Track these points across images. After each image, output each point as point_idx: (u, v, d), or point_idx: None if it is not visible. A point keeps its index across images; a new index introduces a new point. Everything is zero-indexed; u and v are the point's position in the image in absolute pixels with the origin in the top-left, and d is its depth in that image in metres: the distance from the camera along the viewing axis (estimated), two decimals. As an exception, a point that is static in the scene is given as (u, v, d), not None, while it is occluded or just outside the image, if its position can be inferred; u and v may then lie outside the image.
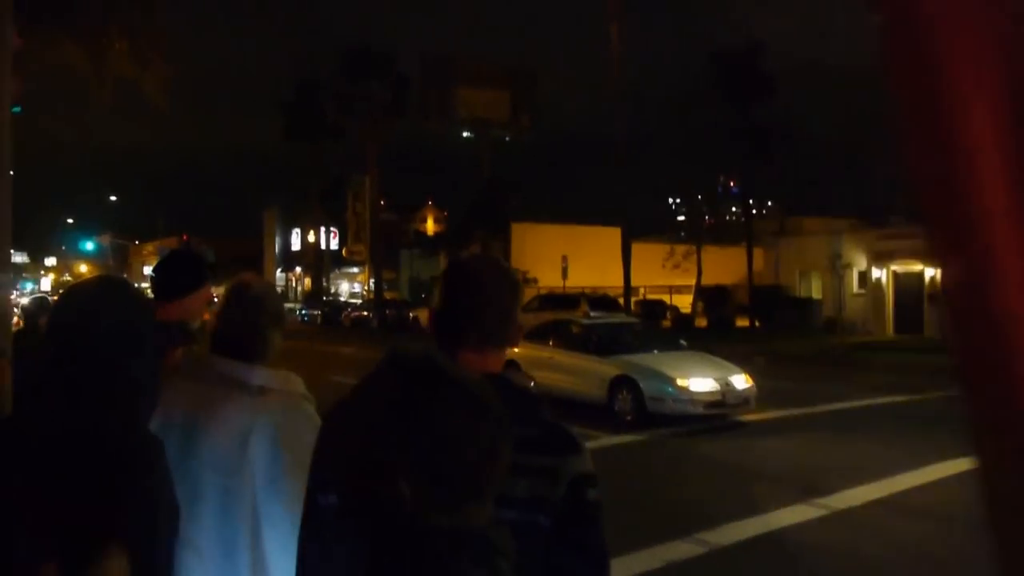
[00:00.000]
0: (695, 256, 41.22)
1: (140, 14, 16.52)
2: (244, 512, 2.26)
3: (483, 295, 1.83)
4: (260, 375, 2.40)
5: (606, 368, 14.21)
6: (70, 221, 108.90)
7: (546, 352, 15.48)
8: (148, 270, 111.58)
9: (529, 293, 40.05)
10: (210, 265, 3.07)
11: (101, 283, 2.07)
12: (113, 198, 79.02)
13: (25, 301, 7.67)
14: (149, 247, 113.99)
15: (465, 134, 50.67)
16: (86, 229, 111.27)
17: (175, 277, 2.83)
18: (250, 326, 2.47)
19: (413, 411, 1.36)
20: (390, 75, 50.01)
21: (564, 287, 36.32)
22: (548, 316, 22.73)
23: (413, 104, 50.43)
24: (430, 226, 62.38)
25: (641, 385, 13.53)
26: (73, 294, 2.00)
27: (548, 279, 40.27)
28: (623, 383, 13.78)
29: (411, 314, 43.60)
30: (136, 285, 2.20)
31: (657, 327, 32.31)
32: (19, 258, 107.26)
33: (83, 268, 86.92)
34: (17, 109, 6.48)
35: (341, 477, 1.49)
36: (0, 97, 5.67)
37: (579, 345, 15.36)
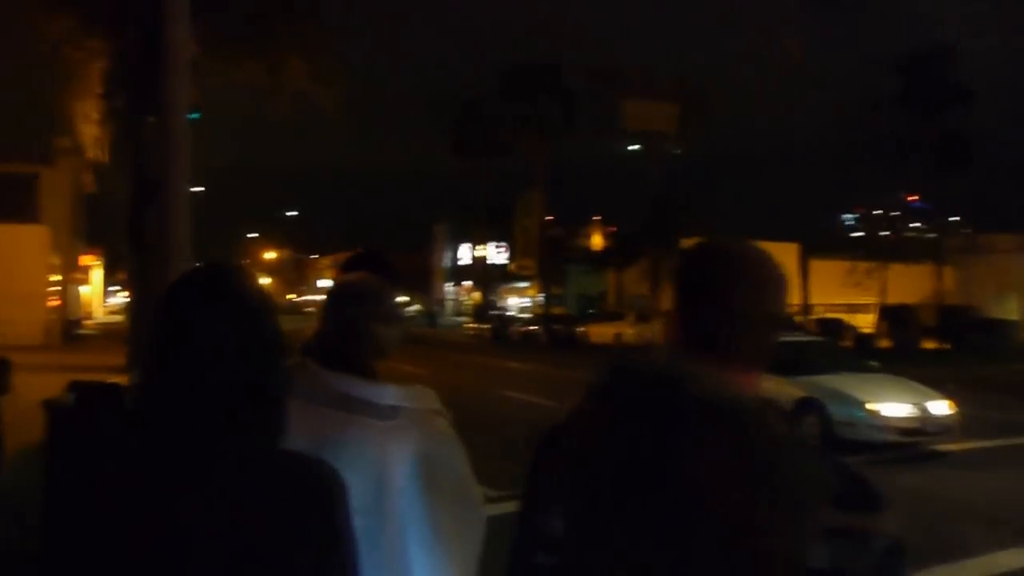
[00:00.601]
0: (877, 273, 39.27)
1: (315, 31, 17.10)
2: (388, 556, 1.96)
3: (751, 292, 1.44)
4: (389, 393, 2.06)
5: (789, 389, 13.41)
6: (253, 235, 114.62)
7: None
8: (323, 283, 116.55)
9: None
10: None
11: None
12: (292, 213, 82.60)
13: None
14: (325, 261, 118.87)
15: (633, 147, 50.18)
16: (266, 243, 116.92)
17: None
18: (352, 326, 2.14)
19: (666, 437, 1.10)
20: (557, 90, 50.11)
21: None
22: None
23: (580, 118, 50.36)
24: (596, 241, 62.06)
25: (828, 408, 12.73)
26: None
27: (720, 296, 39.22)
28: (808, 406, 12.97)
29: (579, 329, 43.43)
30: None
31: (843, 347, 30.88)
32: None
33: (263, 281, 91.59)
34: (196, 115, 6.70)
35: (577, 501, 1.25)
36: (178, 104, 5.80)
37: (759, 364, 14.63)
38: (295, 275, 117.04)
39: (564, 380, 23.09)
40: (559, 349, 39.15)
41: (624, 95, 46.32)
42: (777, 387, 13.68)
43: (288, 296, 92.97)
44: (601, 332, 40.61)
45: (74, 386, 6.70)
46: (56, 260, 36.01)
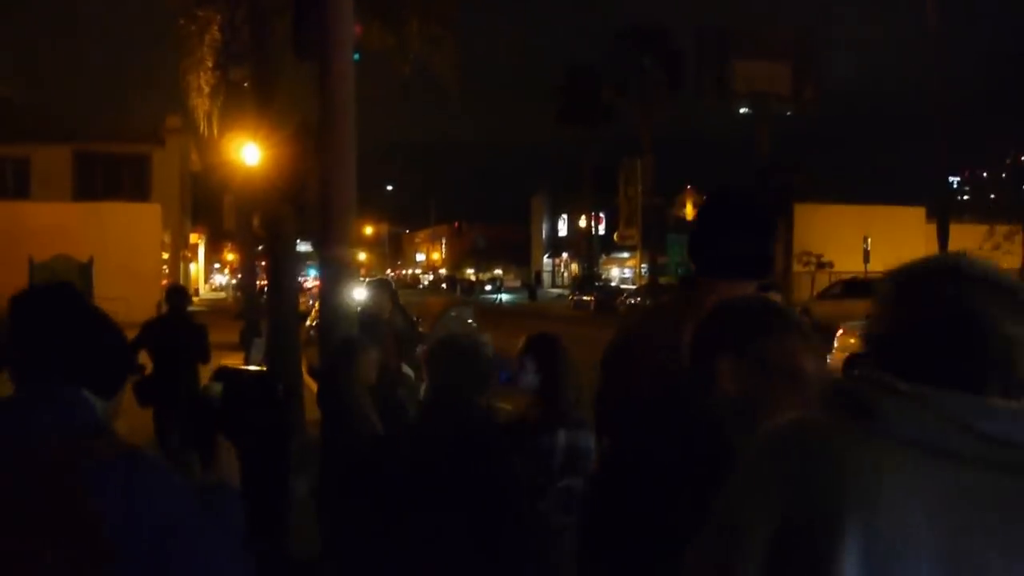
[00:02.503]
0: (1020, 236, 36.90)
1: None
2: None
3: None
4: None
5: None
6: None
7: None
8: (421, 257, 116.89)
9: (821, 279, 37.52)
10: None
11: None
12: (389, 188, 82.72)
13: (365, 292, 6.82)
14: (421, 234, 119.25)
15: (743, 110, 48.30)
16: (363, 218, 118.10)
17: None
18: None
19: None
20: (663, 52, 48.58)
21: (866, 272, 33.38)
22: (851, 305, 20.73)
23: (687, 82, 48.77)
24: (688, 211, 60.78)
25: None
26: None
27: (842, 263, 37.46)
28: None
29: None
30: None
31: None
32: (304, 247, 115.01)
33: (361, 256, 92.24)
34: (356, 56, 6.03)
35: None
36: (344, 42, 5.02)
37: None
38: (393, 249, 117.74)
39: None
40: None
41: (734, 56, 44.54)
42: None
43: (388, 271, 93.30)
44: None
45: (221, 374, 5.92)
46: (167, 238, 36.37)
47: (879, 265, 34.81)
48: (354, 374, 4.24)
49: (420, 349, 6.23)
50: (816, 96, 47.34)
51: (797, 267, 40.27)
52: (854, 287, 29.19)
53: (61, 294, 1.82)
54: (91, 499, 1.47)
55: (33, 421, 1.59)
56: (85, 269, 22.80)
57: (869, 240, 35.29)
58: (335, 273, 5.37)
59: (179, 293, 9.73)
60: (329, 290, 5.47)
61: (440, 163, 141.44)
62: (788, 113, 47.76)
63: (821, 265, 39.31)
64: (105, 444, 1.58)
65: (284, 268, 9.74)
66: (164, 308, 10.18)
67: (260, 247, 19.35)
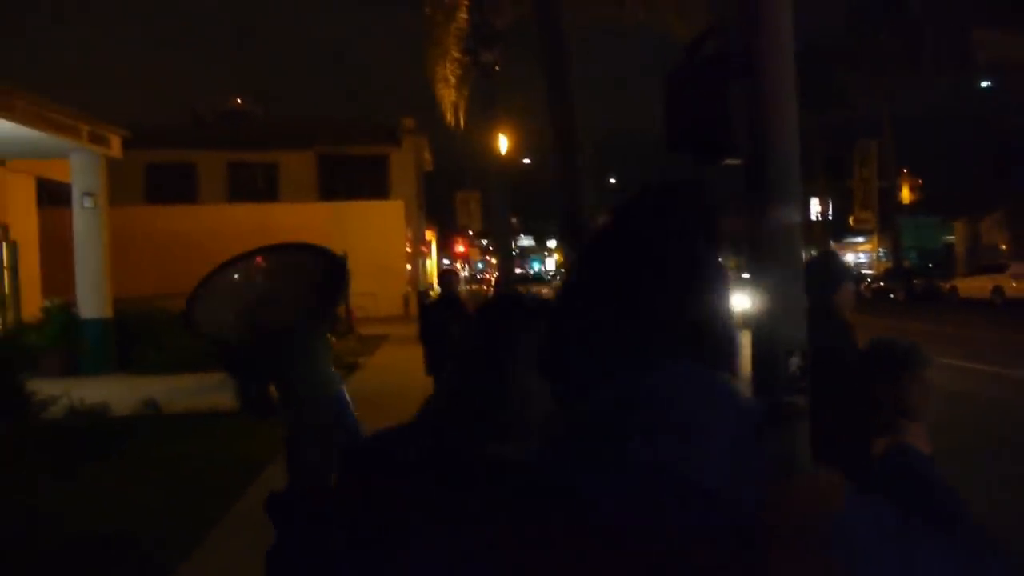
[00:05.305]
0: None
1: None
2: None
3: None
4: None
5: None
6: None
7: None
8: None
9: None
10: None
11: None
12: (612, 180, 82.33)
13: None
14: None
15: (984, 84, 44.45)
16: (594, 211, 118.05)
17: None
18: None
19: None
20: (901, 23, 45.43)
21: None
22: None
23: (924, 55, 45.32)
24: (905, 195, 56.74)
25: None
26: None
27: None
28: None
29: (948, 284, 39.14)
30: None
31: None
32: (526, 241, 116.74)
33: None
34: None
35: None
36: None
37: None
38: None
39: (978, 340, 20.35)
40: (921, 305, 35.45)
41: (975, 21, 40.95)
42: None
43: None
44: (975, 286, 36.24)
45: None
46: (409, 234, 37.53)
47: None
48: None
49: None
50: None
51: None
52: None
53: None
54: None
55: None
56: (341, 264, 23.54)
57: None
58: (776, 245, 4.14)
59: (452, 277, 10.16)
60: (767, 269, 4.16)
61: (649, 154, 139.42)
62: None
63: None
64: None
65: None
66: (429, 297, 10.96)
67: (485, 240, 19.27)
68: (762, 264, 4.20)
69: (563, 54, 11.55)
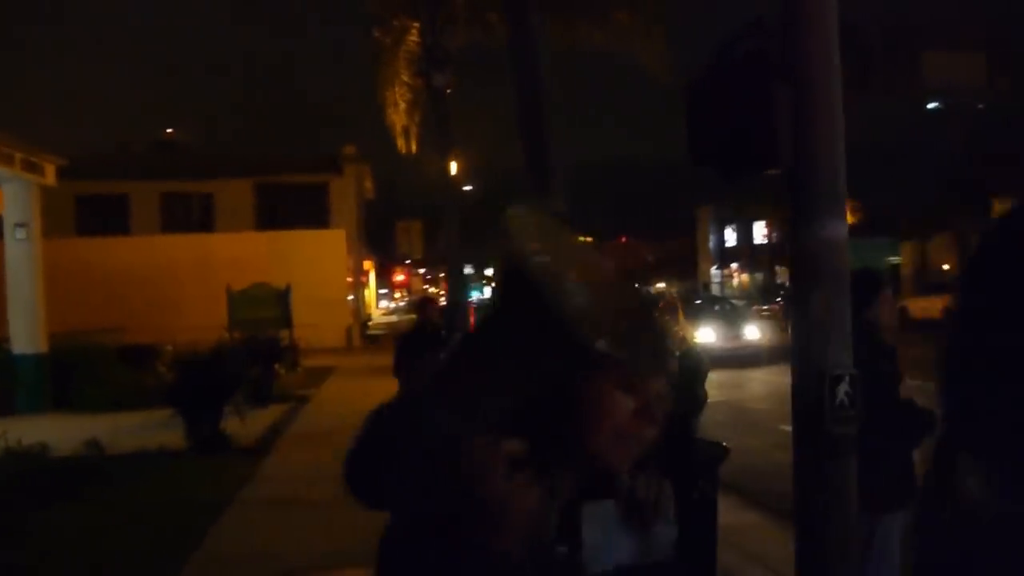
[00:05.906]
0: None
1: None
2: None
3: None
4: None
5: None
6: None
7: None
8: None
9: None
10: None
11: None
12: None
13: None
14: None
15: (931, 106, 45.44)
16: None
17: None
18: None
19: None
20: (851, 49, 46.38)
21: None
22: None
23: (874, 80, 46.26)
24: (848, 218, 58.08)
25: None
26: None
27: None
28: None
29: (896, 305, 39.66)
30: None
31: None
32: (467, 269, 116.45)
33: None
34: None
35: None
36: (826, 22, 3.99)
37: None
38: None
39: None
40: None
41: (924, 46, 41.95)
42: None
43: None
44: (925, 306, 36.59)
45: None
46: (350, 263, 36.83)
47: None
48: None
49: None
50: (1011, 87, 44.08)
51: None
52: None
53: None
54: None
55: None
56: (283, 296, 22.87)
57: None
58: (823, 261, 3.82)
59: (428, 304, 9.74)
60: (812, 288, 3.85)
61: (606, 177, 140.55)
62: (981, 106, 44.68)
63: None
64: None
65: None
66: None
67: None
68: (806, 282, 3.91)
69: (538, 78, 11.19)
